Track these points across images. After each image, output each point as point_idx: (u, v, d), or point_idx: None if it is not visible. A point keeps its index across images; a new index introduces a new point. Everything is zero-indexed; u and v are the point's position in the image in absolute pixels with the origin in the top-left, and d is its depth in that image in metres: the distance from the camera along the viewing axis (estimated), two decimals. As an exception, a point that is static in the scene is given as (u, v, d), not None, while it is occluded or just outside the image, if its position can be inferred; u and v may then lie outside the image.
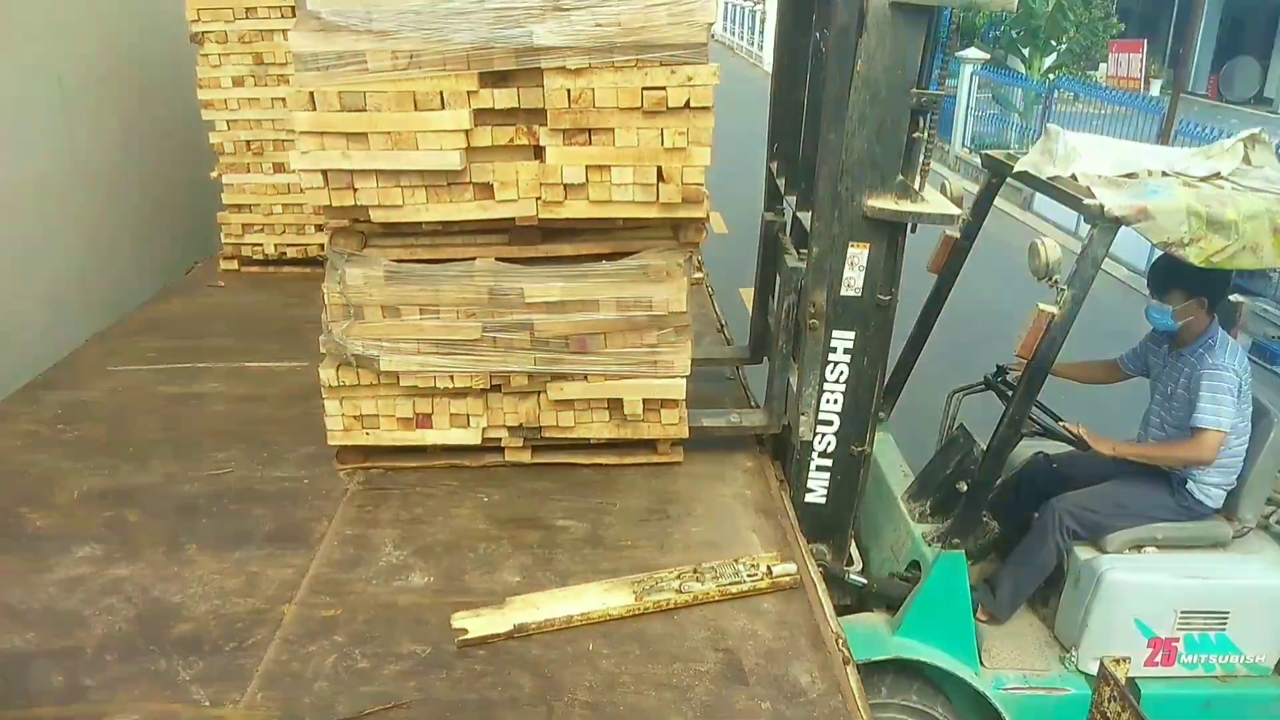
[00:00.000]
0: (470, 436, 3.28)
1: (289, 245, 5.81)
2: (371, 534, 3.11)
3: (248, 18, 5.34)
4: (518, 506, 3.29)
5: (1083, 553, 3.45)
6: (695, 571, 2.84)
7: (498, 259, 3.08)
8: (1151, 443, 3.46)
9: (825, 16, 2.97)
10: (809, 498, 3.31)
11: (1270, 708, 3.38)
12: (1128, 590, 3.28)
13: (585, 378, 3.18)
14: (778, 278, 3.72)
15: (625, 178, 2.88)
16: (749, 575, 2.85)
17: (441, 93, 2.80)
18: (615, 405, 3.25)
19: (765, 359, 3.96)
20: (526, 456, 3.38)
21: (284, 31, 5.22)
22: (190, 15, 5.33)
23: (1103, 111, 11.99)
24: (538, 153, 2.93)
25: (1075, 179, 3.14)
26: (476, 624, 2.63)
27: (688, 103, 2.80)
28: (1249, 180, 3.13)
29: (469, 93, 2.81)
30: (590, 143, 2.86)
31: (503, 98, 2.83)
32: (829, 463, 3.27)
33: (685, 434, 3.29)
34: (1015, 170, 3.38)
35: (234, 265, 5.87)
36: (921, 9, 2.69)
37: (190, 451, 3.66)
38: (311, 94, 2.79)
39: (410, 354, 3.12)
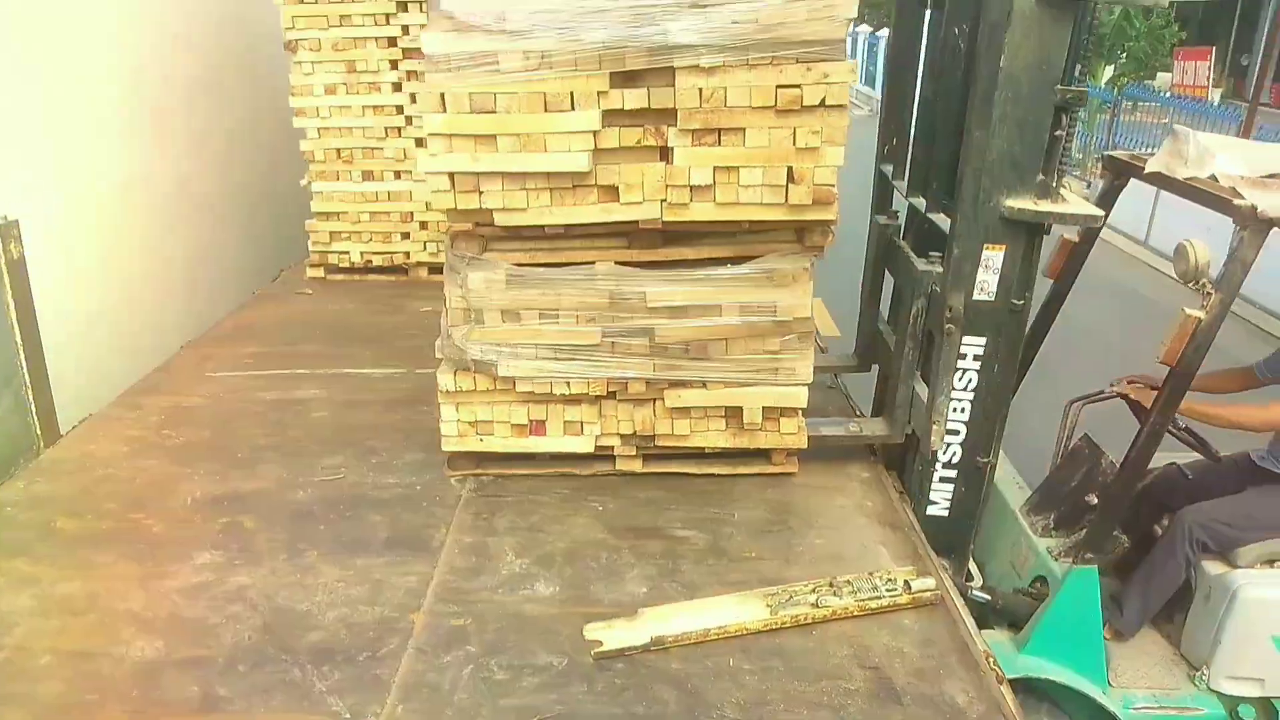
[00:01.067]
0: (583, 444, 3.18)
1: (375, 253, 5.79)
2: (490, 542, 3.03)
3: (341, 25, 5.32)
4: (634, 516, 3.19)
5: (1212, 568, 3.27)
6: (831, 585, 2.72)
7: (618, 263, 2.98)
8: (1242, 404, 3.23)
9: (960, 13, 2.84)
10: (931, 510, 3.17)
11: None
12: (1264, 607, 3.11)
13: (705, 385, 3.07)
14: (890, 283, 3.60)
15: (754, 179, 2.78)
16: (887, 590, 2.72)
17: (572, 93, 2.72)
18: (733, 413, 3.14)
19: (875, 366, 3.83)
20: (638, 466, 3.28)
21: (376, 39, 5.24)
22: (285, 22, 5.33)
23: (1164, 120, 11.69)
24: (663, 154, 2.84)
25: (1215, 179, 2.96)
26: (611, 636, 2.53)
27: (823, 101, 2.70)
28: None
29: (599, 93, 2.73)
30: (720, 143, 2.76)
31: (632, 98, 2.75)
32: (953, 474, 3.13)
33: (804, 444, 3.17)
34: (1147, 171, 3.22)
35: (320, 273, 5.86)
36: (1067, 5, 2.55)
37: (298, 457, 3.60)
38: (443, 95, 2.72)
39: (529, 359, 3.03)
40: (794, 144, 2.74)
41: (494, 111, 2.75)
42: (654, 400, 3.13)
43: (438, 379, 3.15)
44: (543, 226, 2.92)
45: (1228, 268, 2.75)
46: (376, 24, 5.26)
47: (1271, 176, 2.99)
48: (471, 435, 3.17)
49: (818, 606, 2.65)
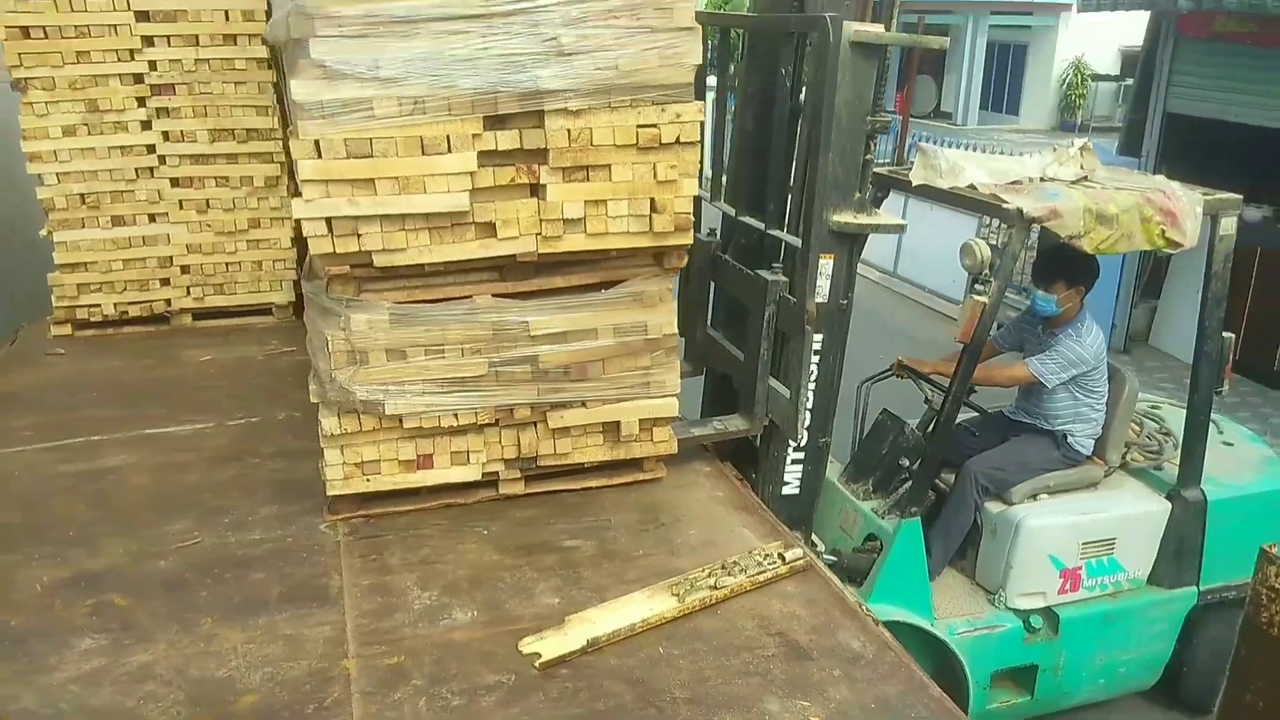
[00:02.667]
0: (471, 473, 3.28)
1: (130, 303, 5.31)
2: (390, 580, 3.05)
3: (79, 62, 4.87)
4: (519, 535, 3.33)
5: (994, 507, 3.97)
6: (723, 567, 3.03)
7: (494, 295, 3.12)
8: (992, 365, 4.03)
9: (782, 59, 3.27)
10: (785, 490, 3.58)
11: (1147, 612, 4.03)
12: (1043, 533, 3.82)
13: (584, 404, 3.27)
14: (713, 295, 3.98)
15: (621, 210, 3.04)
16: (768, 564, 3.07)
17: (448, 136, 2.83)
18: (609, 428, 3.37)
19: (705, 371, 4.21)
20: (520, 488, 3.42)
21: (120, 76, 4.88)
22: (10, 60, 4.79)
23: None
24: (534, 190, 3.02)
25: (974, 188, 3.62)
26: (546, 646, 2.68)
27: (678, 138, 3.01)
28: (1100, 179, 3.77)
29: (474, 136, 2.86)
30: (589, 179, 3.00)
31: (505, 139, 2.91)
32: (801, 455, 3.56)
33: (675, 449, 3.46)
34: (915, 184, 3.83)
35: (67, 330, 5.28)
36: (875, 47, 3.06)
37: (139, 528, 3.37)
38: (317, 142, 2.73)
39: (416, 395, 3.08)
40: (655, 177, 3.03)
41: (371, 156, 2.79)
42: (535, 423, 3.29)
43: (321, 423, 3.10)
44: (421, 265, 2.99)
45: (1002, 261, 3.39)
46: (120, 60, 4.89)
47: (1015, 183, 3.69)
48: (358, 476, 3.16)
49: (716, 588, 2.95)
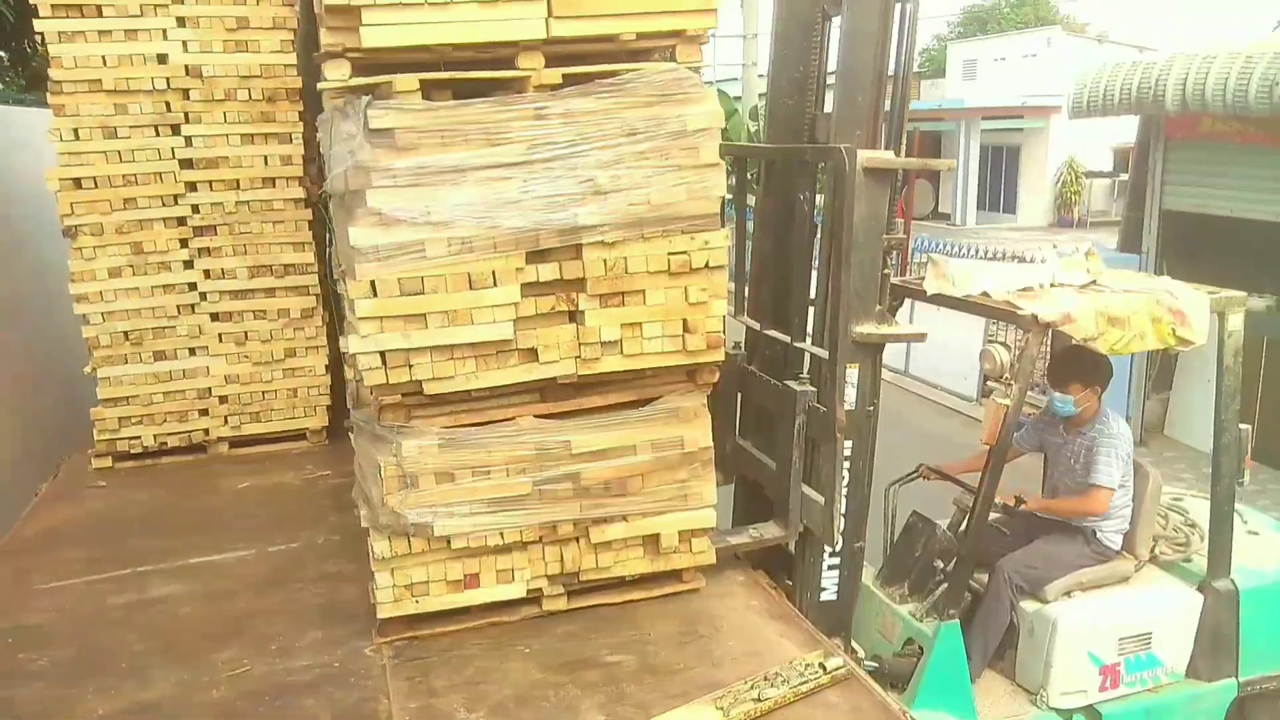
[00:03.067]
0: (516, 590, 3.36)
1: (169, 434, 5.45)
2: (437, 703, 3.09)
3: (125, 209, 5.12)
4: (562, 651, 3.38)
5: (1029, 606, 4.00)
6: (766, 679, 3.07)
7: (536, 415, 3.26)
8: (1062, 498, 4.11)
9: (802, 184, 3.50)
10: (824, 596, 3.64)
11: (1188, 706, 4.02)
12: (1080, 630, 3.86)
13: (625, 518, 3.37)
14: (741, 406, 4.12)
15: (655, 332, 3.21)
16: (811, 674, 3.11)
17: (494, 271, 3.02)
18: (649, 541, 3.46)
19: (736, 480, 4.31)
20: (563, 603, 3.48)
21: (165, 220, 5.14)
22: (63, 209, 5.05)
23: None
24: (572, 316, 3.19)
25: (987, 295, 3.78)
26: (603, 764, 2.70)
27: (706, 263, 3.21)
28: (1107, 282, 3.93)
29: (517, 269, 3.05)
30: (624, 304, 3.18)
31: (546, 271, 3.11)
32: (838, 560, 3.63)
33: (713, 559, 3.54)
34: (930, 294, 4.01)
35: (108, 462, 5.40)
36: (887, 171, 3.28)
37: (189, 658, 3.43)
38: (373, 282, 2.92)
39: (463, 516, 3.19)
40: (686, 300, 3.22)
41: (422, 293, 2.98)
42: (578, 539, 3.38)
43: (372, 547, 3.20)
44: (468, 391, 3.14)
45: (1021, 364, 3.52)
46: (165, 204, 5.15)
47: (1026, 289, 3.85)
48: (408, 598, 3.23)
49: (760, 700, 2.99)
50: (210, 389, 5.40)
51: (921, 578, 3.98)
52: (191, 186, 5.14)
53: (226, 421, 5.45)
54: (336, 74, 2.88)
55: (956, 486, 4.21)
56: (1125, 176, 10.70)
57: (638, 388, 3.42)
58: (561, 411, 3.33)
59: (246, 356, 5.37)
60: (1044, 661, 3.89)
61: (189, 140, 5.05)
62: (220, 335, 5.33)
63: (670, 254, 3.18)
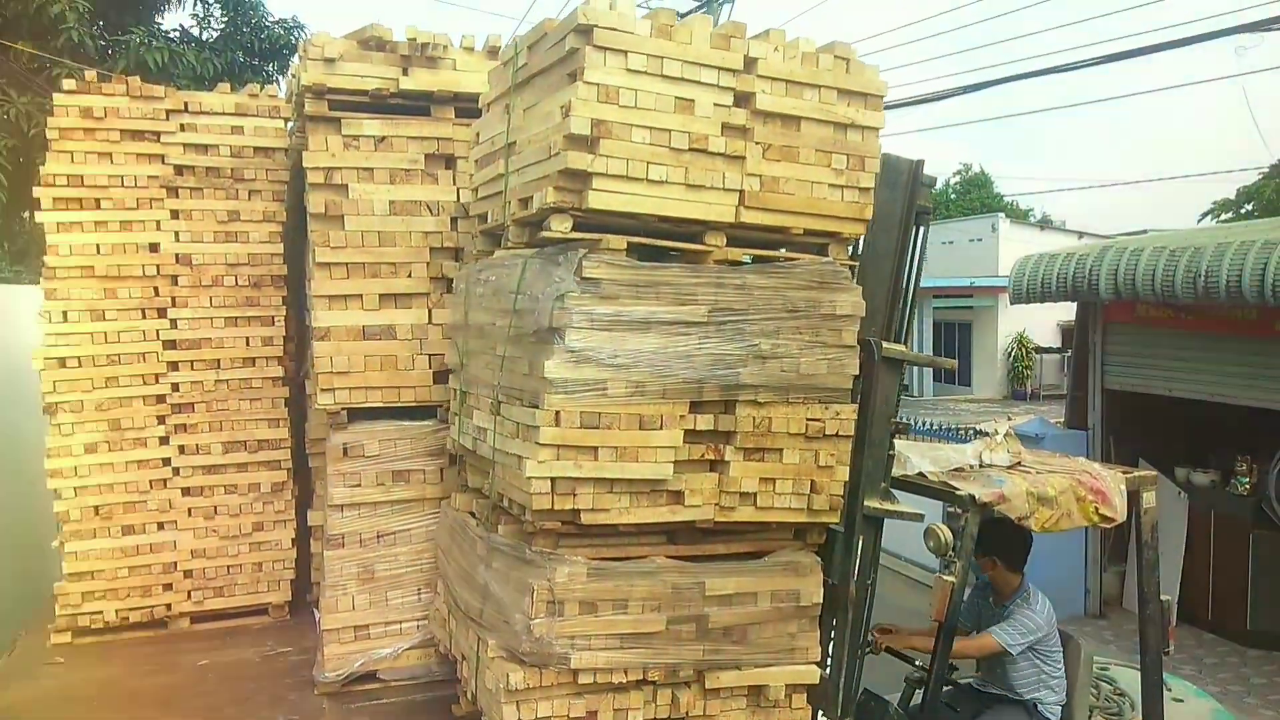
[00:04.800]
0: (629, 731, 3.39)
1: (131, 609, 5.36)
2: None
3: (106, 387, 5.24)
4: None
5: None
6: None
7: (667, 556, 3.44)
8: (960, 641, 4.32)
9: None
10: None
11: None
12: None
13: (739, 666, 3.49)
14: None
15: (786, 489, 3.52)
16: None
17: (662, 416, 3.30)
18: (753, 692, 3.57)
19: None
20: (666, 754, 3.52)
21: (144, 397, 5.26)
22: (45, 387, 5.14)
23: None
24: (713, 466, 3.45)
25: (923, 476, 4.10)
26: None
27: (837, 431, 3.55)
28: (1029, 463, 4.32)
29: (680, 416, 3.33)
30: (764, 459, 3.47)
31: (702, 421, 3.41)
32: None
33: (809, 714, 3.67)
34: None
35: (67, 638, 5.24)
36: (896, 365, 3.77)
37: None
38: (558, 412, 3.16)
39: (598, 650, 3.28)
40: (816, 463, 3.53)
41: (598, 428, 3.22)
42: (690, 683, 3.47)
43: (508, 678, 3.21)
44: (615, 525, 3.32)
45: (962, 542, 3.82)
46: (145, 383, 5.27)
47: (958, 470, 4.19)
48: (531, 733, 3.23)
49: None
50: (176, 563, 5.41)
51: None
52: (173, 366, 5.34)
53: (190, 596, 5.44)
54: (560, 226, 3.24)
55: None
56: (1071, 353, 11.14)
57: (753, 540, 3.65)
58: (688, 555, 3.50)
59: (214, 530, 5.44)
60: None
61: (174, 323, 5.31)
62: (190, 510, 5.40)
63: (808, 419, 3.52)
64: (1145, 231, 10.71)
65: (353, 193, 4.49)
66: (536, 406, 3.27)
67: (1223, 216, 19.77)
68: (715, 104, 3.34)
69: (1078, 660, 4.38)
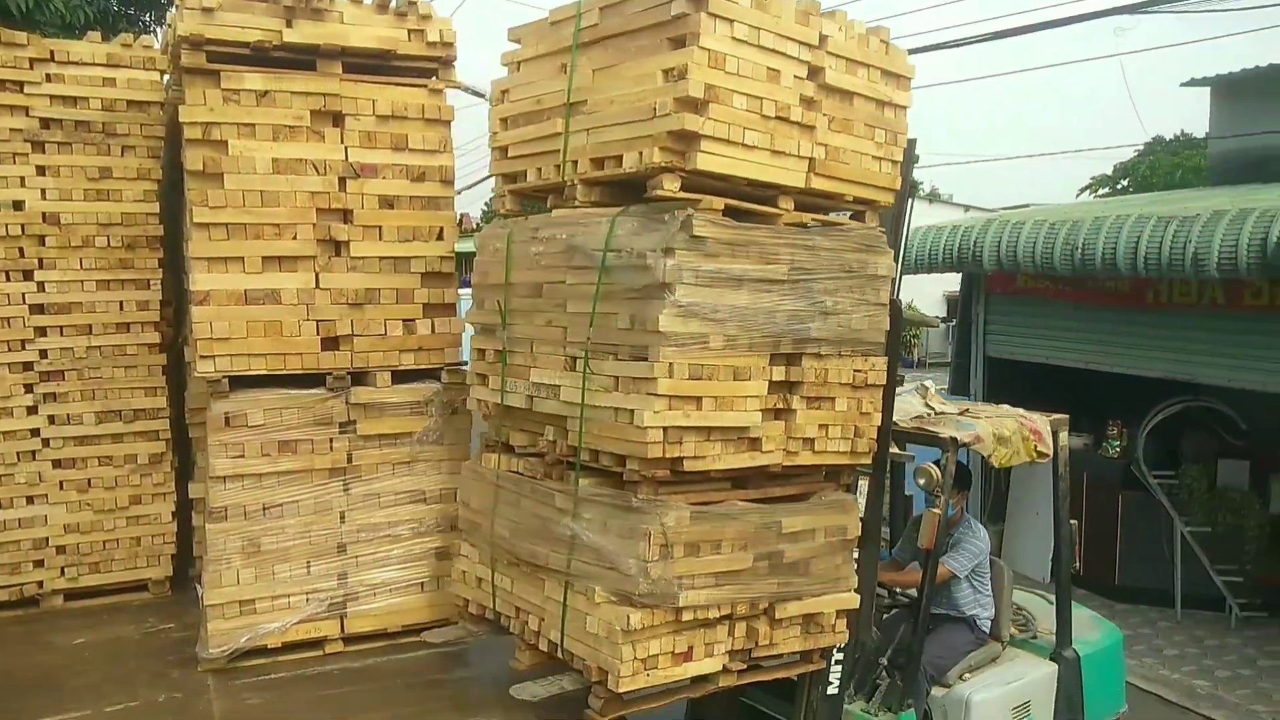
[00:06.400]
0: (714, 665, 3.67)
1: (0, 588, 5.01)
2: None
3: None
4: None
5: (936, 691, 4.83)
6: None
7: (741, 500, 3.70)
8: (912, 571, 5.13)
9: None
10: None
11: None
12: (988, 705, 4.75)
13: (800, 597, 3.82)
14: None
15: (837, 434, 3.90)
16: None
17: (750, 367, 3.55)
18: (806, 620, 3.91)
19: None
20: (734, 680, 3.79)
21: (9, 365, 4.88)
22: None
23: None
24: (778, 414, 3.75)
25: (897, 424, 4.64)
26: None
27: (875, 382, 3.98)
28: (977, 410, 5.10)
29: (763, 368, 3.59)
30: (820, 408, 3.82)
31: (777, 373, 3.70)
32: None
33: (846, 638, 4.06)
34: None
35: None
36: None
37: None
38: (671, 364, 3.32)
39: (700, 589, 3.48)
40: (859, 410, 3.94)
41: (702, 379, 3.41)
42: (759, 615, 3.75)
43: (628, 619, 3.32)
44: (706, 472, 3.52)
45: (944, 478, 4.48)
46: (11, 349, 4.96)
47: (919, 417, 4.86)
48: (642, 672, 3.38)
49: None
50: (47, 539, 5.12)
51: (864, 677, 4.67)
52: (41, 331, 5.04)
53: (63, 573, 5.17)
54: (671, 185, 3.40)
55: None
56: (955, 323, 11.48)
57: (799, 483, 3.98)
58: (754, 498, 3.77)
59: (89, 504, 5.19)
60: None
61: (41, 285, 5.01)
62: (61, 483, 5.12)
63: (855, 370, 3.89)
64: (1028, 205, 11.36)
65: (233, 149, 4.31)
66: (643, 359, 3.39)
67: (1100, 192, 20.13)
68: (795, 76, 3.61)
69: (1002, 581, 5.16)
